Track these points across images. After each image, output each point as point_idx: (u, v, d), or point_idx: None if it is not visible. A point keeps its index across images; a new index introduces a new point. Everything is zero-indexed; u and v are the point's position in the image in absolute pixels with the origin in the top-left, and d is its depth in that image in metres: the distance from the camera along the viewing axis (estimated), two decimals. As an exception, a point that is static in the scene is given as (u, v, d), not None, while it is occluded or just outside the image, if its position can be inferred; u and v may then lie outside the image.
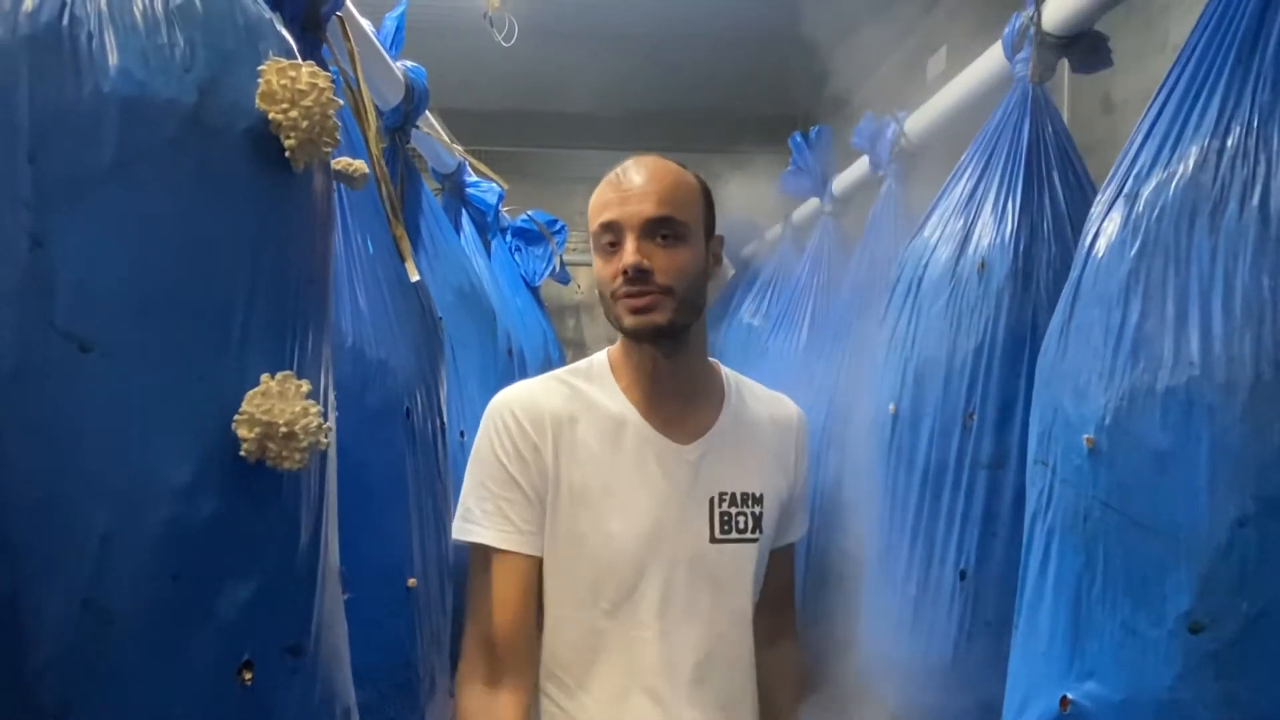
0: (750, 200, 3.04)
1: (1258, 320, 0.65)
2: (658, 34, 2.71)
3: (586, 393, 1.19)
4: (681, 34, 2.71)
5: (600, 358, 1.24)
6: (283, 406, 0.59)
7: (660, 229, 1.10)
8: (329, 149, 0.62)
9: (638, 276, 1.08)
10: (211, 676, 0.60)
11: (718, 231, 1.20)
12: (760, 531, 1.19)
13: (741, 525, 1.18)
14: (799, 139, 2.19)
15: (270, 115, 0.59)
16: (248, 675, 0.61)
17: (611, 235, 1.12)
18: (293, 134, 0.59)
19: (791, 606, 1.32)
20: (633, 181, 1.12)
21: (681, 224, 1.12)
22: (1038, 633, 0.79)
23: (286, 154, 0.61)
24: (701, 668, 1.13)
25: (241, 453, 0.59)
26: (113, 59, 0.56)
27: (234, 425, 0.58)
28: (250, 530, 0.61)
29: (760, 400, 1.27)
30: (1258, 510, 0.64)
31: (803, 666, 1.31)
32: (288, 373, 0.60)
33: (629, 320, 1.11)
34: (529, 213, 2.59)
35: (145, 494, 0.57)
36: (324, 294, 0.68)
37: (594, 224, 1.15)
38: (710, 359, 1.28)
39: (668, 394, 1.18)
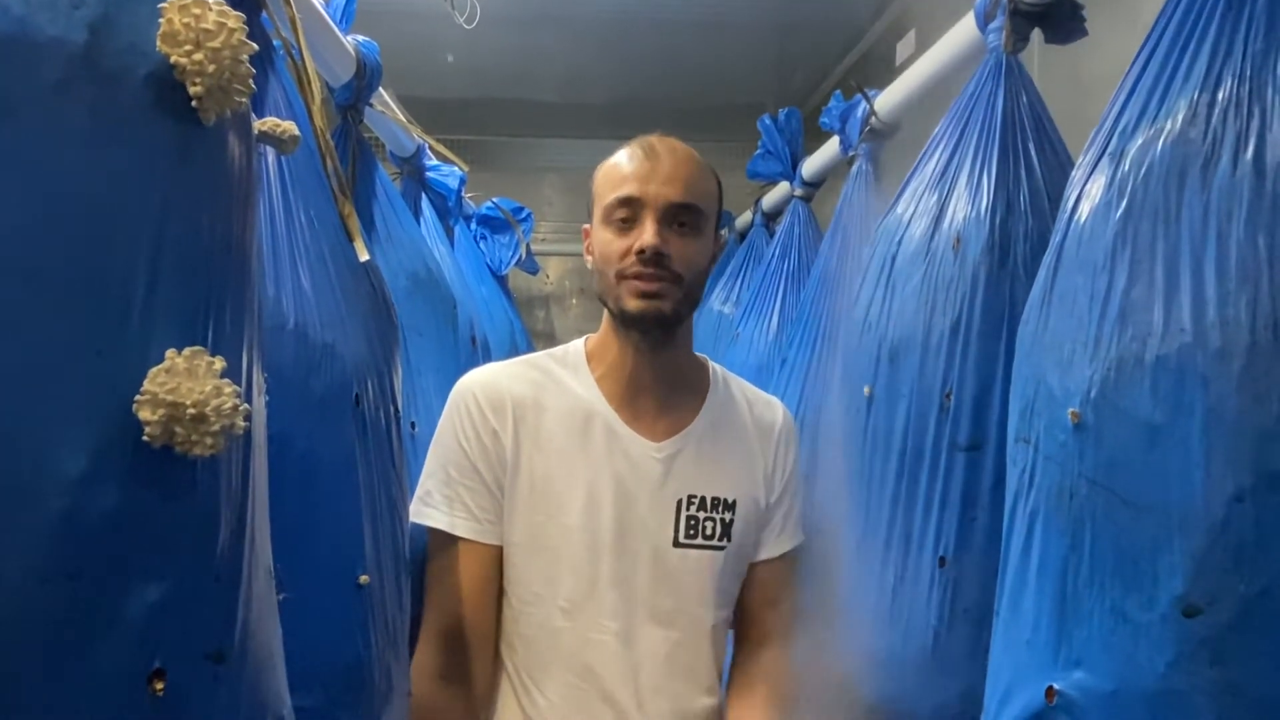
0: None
1: (1254, 282, 0.61)
2: (625, 20, 2.65)
3: (559, 379, 1.14)
4: (649, 20, 2.66)
5: (577, 345, 1.19)
6: (191, 385, 0.52)
7: (681, 216, 1.07)
8: (242, 98, 0.55)
9: (654, 259, 1.04)
10: (117, 687, 0.54)
11: None
12: (729, 540, 1.14)
13: (709, 531, 1.12)
14: (768, 121, 2.14)
15: (173, 59, 0.53)
16: (160, 685, 0.55)
17: (628, 211, 1.06)
18: (199, 80, 0.53)
19: (780, 630, 1.22)
20: (660, 160, 1.08)
21: (702, 214, 1.09)
22: (1021, 620, 0.75)
23: (194, 104, 0.54)
24: (658, 675, 1.08)
25: (144, 437, 0.52)
26: (-16, -9, 0.49)
27: (135, 407, 0.52)
28: (160, 524, 0.55)
29: (749, 402, 1.22)
30: (1255, 485, 0.60)
31: (780, 695, 1.22)
32: (198, 348, 0.54)
33: (634, 303, 1.06)
34: (494, 200, 2.52)
35: (33, 486, 0.50)
36: (245, 265, 0.62)
37: (609, 196, 1.08)
38: (699, 355, 1.23)
39: (644, 388, 1.13)
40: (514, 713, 1.09)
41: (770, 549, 1.21)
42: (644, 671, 1.07)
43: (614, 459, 1.10)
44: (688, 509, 1.12)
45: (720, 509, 1.14)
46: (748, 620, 1.21)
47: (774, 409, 1.25)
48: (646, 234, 1.05)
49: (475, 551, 1.09)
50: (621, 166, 1.09)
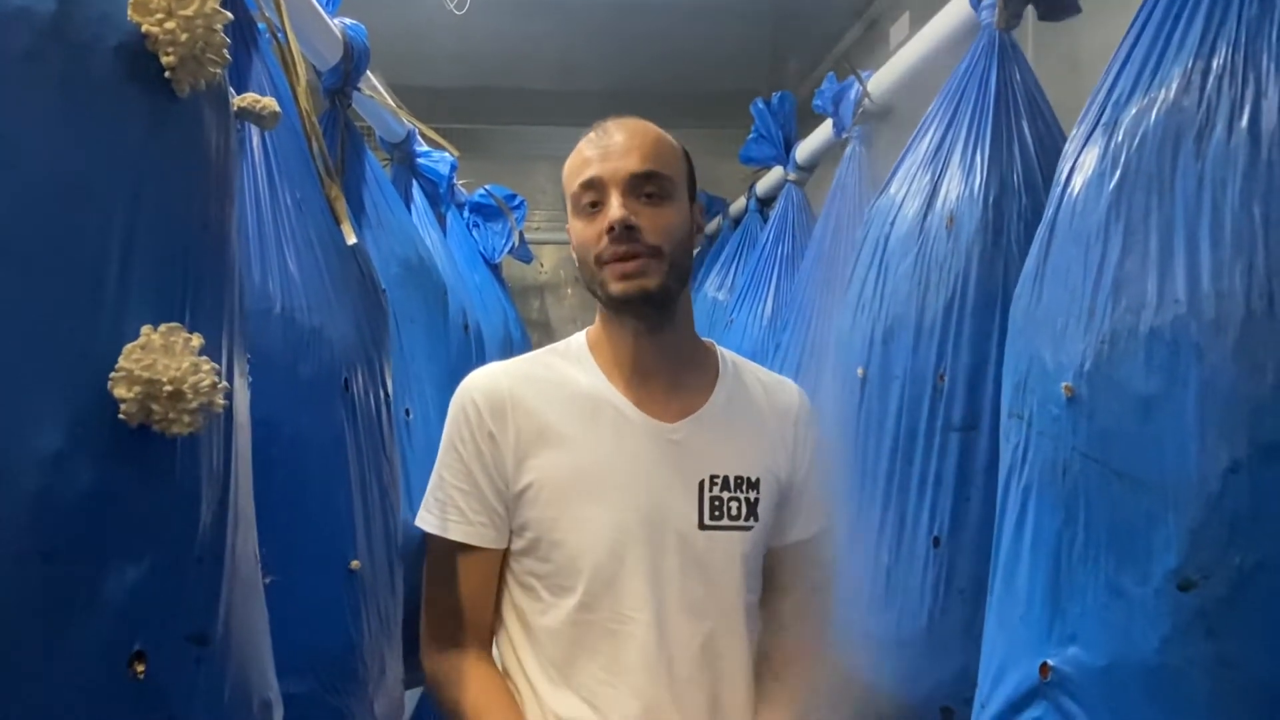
0: (715, 176, 2.98)
1: (1248, 251, 0.60)
2: (617, 6, 2.63)
3: (562, 372, 1.12)
4: (642, 6, 2.64)
5: (578, 338, 1.17)
6: (167, 362, 0.51)
7: (645, 185, 1.04)
8: (216, 69, 0.54)
9: (624, 234, 1.01)
10: (97, 670, 0.53)
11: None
12: (755, 519, 1.11)
13: (734, 511, 1.09)
14: (761, 105, 2.13)
15: (144, 28, 0.51)
16: (140, 667, 0.54)
17: (593, 194, 1.05)
18: (171, 50, 0.52)
19: (810, 612, 1.18)
20: (614, 138, 1.06)
21: (668, 180, 1.06)
22: (1015, 597, 0.74)
23: (167, 75, 0.53)
24: (691, 665, 1.05)
25: (121, 415, 0.51)
26: (-52, -42, 0.48)
27: (111, 384, 0.51)
28: (138, 504, 0.54)
29: (761, 383, 1.20)
30: (1250, 456, 0.59)
31: (814, 691, 1.20)
32: (174, 324, 0.53)
33: (616, 286, 1.03)
34: (486, 187, 2.50)
35: (6, 464, 0.49)
36: (223, 241, 0.61)
37: (573, 185, 1.07)
38: (705, 339, 1.21)
39: (651, 371, 1.11)
40: (534, 711, 1.07)
41: (799, 530, 1.19)
42: (677, 663, 1.04)
43: (628, 444, 1.08)
44: (710, 489, 1.09)
45: (744, 488, 1.11)
46: (777, 603, 1.19)
47: (789, 391, 1.23)
48: (612, 209, 1.03)
49: (470, 555, 1.08)
50: (580, 154, 1.08)
